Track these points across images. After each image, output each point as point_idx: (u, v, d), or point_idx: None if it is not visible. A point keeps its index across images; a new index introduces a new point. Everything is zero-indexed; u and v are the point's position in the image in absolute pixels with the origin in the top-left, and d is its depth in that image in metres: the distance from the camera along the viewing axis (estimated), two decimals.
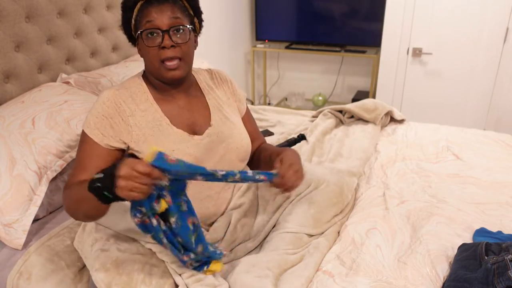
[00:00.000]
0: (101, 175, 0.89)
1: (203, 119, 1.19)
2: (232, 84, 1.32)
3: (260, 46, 3.72)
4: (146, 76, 1.18)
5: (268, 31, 3.64)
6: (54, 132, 1.41)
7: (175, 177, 0.88)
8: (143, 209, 0.90)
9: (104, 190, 0.87)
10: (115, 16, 2.10)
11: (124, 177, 0.82)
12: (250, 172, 0.97)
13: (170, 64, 1.07)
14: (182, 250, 1.00)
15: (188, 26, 1.09)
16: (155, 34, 1.05)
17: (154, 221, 0.92)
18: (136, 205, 0.90)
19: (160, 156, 0.85)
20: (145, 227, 0.94)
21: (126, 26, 1.13)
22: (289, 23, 3.55)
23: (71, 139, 1.43)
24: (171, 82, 1.13)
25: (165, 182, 0.88)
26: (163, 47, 1.05)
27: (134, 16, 1.09)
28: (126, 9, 1.10)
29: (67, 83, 1.75)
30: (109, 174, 0.86)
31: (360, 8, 3.29)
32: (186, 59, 1.10)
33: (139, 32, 1.07)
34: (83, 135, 1.09)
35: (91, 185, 0.89)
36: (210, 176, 0.91)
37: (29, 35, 1.66)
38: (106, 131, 1.08)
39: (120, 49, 2.19)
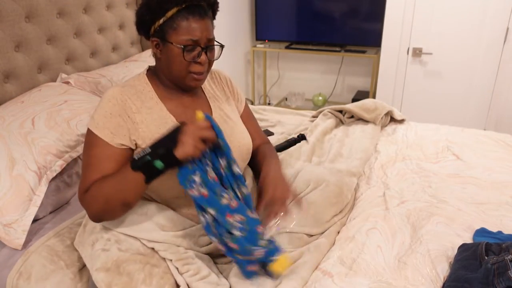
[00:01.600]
0: (148, 150, 0.97)
1: None
2: (231, 83, 1.34)
3: (260, 46, 3.72)
4: (151, 74, 1.18)
5: (268, 31, 3.64)
6: (54, 132, 1.41)
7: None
8: (197, 177, 0.98)
9: (156, 159, 0.95)
10: (115, 16, 2.10)
11: (189, 133, 0.95)
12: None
13: (198, 76, 1.12)
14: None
15: (221, 44, 1.16)
16: (193, 49, 1.09)
17: (211, 180, 1.01)
18: (189, 173, 0.98)
19: (209, 117, 1.02)
20: (202, 200, 0.99)
21: (148, 23, 1.10)
22: (289, 23, 3.55)
23: (71, 139, 1.43)
24: (191, 89, 1.18)
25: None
26: (198, 62, 1.10)
27: (164, 18, 1.07)
28: (159, 9, 1.08)
29: (67, 83, 1.75)
30: (157, 146, 0.97)
31: (360, 8, 3.29)
32: (209, 71, 1.17)
33: (180, 46, 1.07)
34: (92, 136, 1.07)
35: (137, 163, 0.97)
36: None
37: (29, 35, 1.66)
38: (115, 129, 1.07)
39: (120, 49, 2.19)
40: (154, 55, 1.15)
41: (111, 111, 1.08)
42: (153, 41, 1.13)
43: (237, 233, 0.99)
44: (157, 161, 0.96)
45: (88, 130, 1.09)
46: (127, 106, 1.10)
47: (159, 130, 1.11)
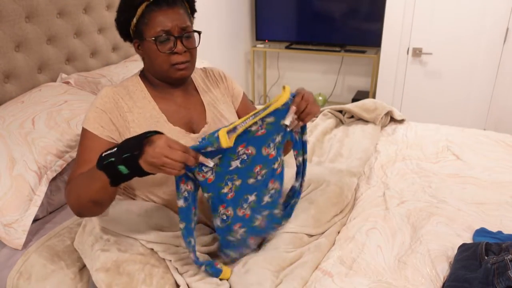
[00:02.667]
0: (113, 150, 0.87)
1: (199, 117, 1.21)
2: (227, 80, 1.33)
3: (260, 46, 3.72)
4: (143, 75, 1.19)
5: (268, 31, 3.64)
6: (54, 132, 1.41)
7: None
8: (215, 161, 0.95)
9: (120, 163, 0.85)
10: (115, 16, 2.09)
11: (158, 152, 0.82)
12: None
13: (181, 66, 1.10)
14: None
15: (197, 31, 1.12)
16: (166, 40, 1.07)
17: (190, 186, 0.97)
18: (211, 155, 0.94)
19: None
20: (204, 183, 0.98)
21: (124, 25, 1.13)
22: (289, 23, 3.55)
23: (71, 139, 1.43)
24: (178, 81, 1.16)
25: (211, 164, 0.92)
26: (175, 52, 1.08)
27: (137, 16, 1.09)
28: (129, 8, 1.10)
29: (67, 83, 1.75)
30: (124, 148, 0.85)
31: (360, 8, 3.29)
32: (193, 60, 1.14)
33: (152, 38, 1.07)
34: (83, 131, 1.08)
35: (102, 161, 0.87)
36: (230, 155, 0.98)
37: (29, 35, 1.66)
38: (106, 124, 1.08)
39: (120, 49, 2.19)
40: (141, 57, 1.16)
41: (103, 108, 1.09)
42: (134, 43, 1.14)
43: (216, 222, 1.07)
44: (121, 166, 0.85)
45: (82, 128, 1.10)
46: (119, 105, 1.11)
47: (150, 129, 1.11)
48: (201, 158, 0.90)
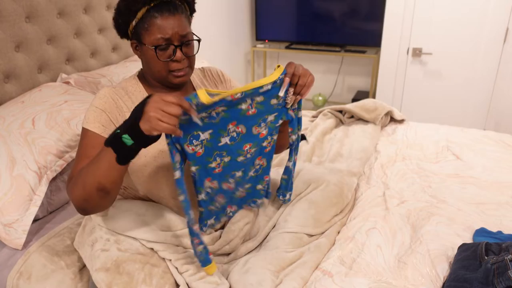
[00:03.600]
0: (119, 125, 0.90)
1: None
2: (225, 79, 1.32)
3: (260, 46, 3.72)
4: (142, 76, 1.19)
5: (268, 31, 3.64)
6: (54, 132, 1.41)
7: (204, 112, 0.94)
8: (205, 135, 0.97)
9: (124, 133, 0.87)
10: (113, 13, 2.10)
11: (151, 104, 0.83)
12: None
13: (180, 73, 1.10)
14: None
15: (196, 39, 1.11)
16: (166, 48, 1.06)
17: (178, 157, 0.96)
18: (197, 129, 0.96)
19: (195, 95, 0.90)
20: (193, 156, 1.00)
21: (122, 26, 1.11)
22: (289, 23, 3.55)
23: (71, 139, 1.43)
24: (176, 86, 1.15)
25: (197, 119, 0.92)
26: (174, 60, 1.07)
27: (136, 19, 1.07)
28: (129, 11, 1.07)
29: (67, 83, 1.75)
30: (127, 119, 0.88)
31: (360, 8, 3.29)
32: (192, 66, 1.14)
33: (152, 47, 1.05)
34: (84, 131, 1.08)
35: (109, 137, 0.90)
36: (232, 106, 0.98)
37: (29, 35, 1.66)
38: (106, 123, 1.08)
39: (120, 49, 2.19)
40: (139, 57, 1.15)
41: (102, 107, 1.08)
42: (132, 43, 1.13)
43: (201, 196, 1.08)
44: (125, 136, 0.87)
45: (82, 128, 1.09)
46: (119, 105, 1.10)
47: None
48: (192, 111, 0.90)
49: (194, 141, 0.97)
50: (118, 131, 0.88)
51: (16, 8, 1.59)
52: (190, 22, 1.14)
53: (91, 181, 0.93)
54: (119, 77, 1.89)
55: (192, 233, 1.02)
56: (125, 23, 1.09)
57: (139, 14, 1.06)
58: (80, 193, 0.96)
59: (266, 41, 3.70)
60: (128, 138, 0.87)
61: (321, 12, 3.41)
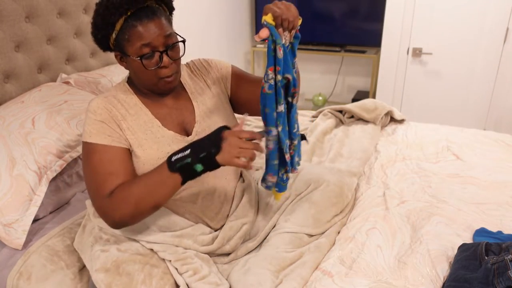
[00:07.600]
0: (186, 152, 0.96)
1: (191, 116, 1.19)
2: (211, 66, 1.26)
3: (260, 46, 3.72)
4: (131, 82, 1.17)
5: None
6: (54, 132, 1.41)
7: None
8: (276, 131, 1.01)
9: (197, 162, 0.94)
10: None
11: (232, 144, 0.93)
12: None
13: (170, 79, 1.08)
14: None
15: (180, 40, 1.09)
16: (152, 56, 1.04)
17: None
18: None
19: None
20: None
21: (103, 40, 1.07)
22: None
23: (71, 139, 1.43)
24: (167, 92, 1.14)
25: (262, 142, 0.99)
26: (162, 66, 1.05)
27: (115, 32, 1.03)
28: (106, 25, 1.03)
29: (67, 83, 1.75)
30: (197, 148, 0.95)
31: (360, 8, 3.29)
32: (179, 69, 1.12)
33: (137, 58, 1.03)
34: (90, 146, 1.05)
35: (176, 164, 0.96)
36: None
37: (29, 35, 1.66)
38: (111, 132, 1.07)
39: None
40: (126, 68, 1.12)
41: (101, 119, 1.07)
42: (116, 55, 1.10)
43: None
44: (198, 165, 0.95)
45: (84, 143, 1.07)
46: (113, 114, 1.09)
47: (145, 135, 1.11)
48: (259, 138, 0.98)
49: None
50: (189, 160, 0.95)
51: (16, 8, 1.59)
52: (171, 22, 1.10)
53: (149, 201, 0.99)
54: (119, 77, 1.89)
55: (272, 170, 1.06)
56: (104, 37, 1.06)
57: (118, 26, 1.02)
58: (129, 211, 1.00)
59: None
60: (200, 167, 0.96)
61: (321, 12, 3.41)
